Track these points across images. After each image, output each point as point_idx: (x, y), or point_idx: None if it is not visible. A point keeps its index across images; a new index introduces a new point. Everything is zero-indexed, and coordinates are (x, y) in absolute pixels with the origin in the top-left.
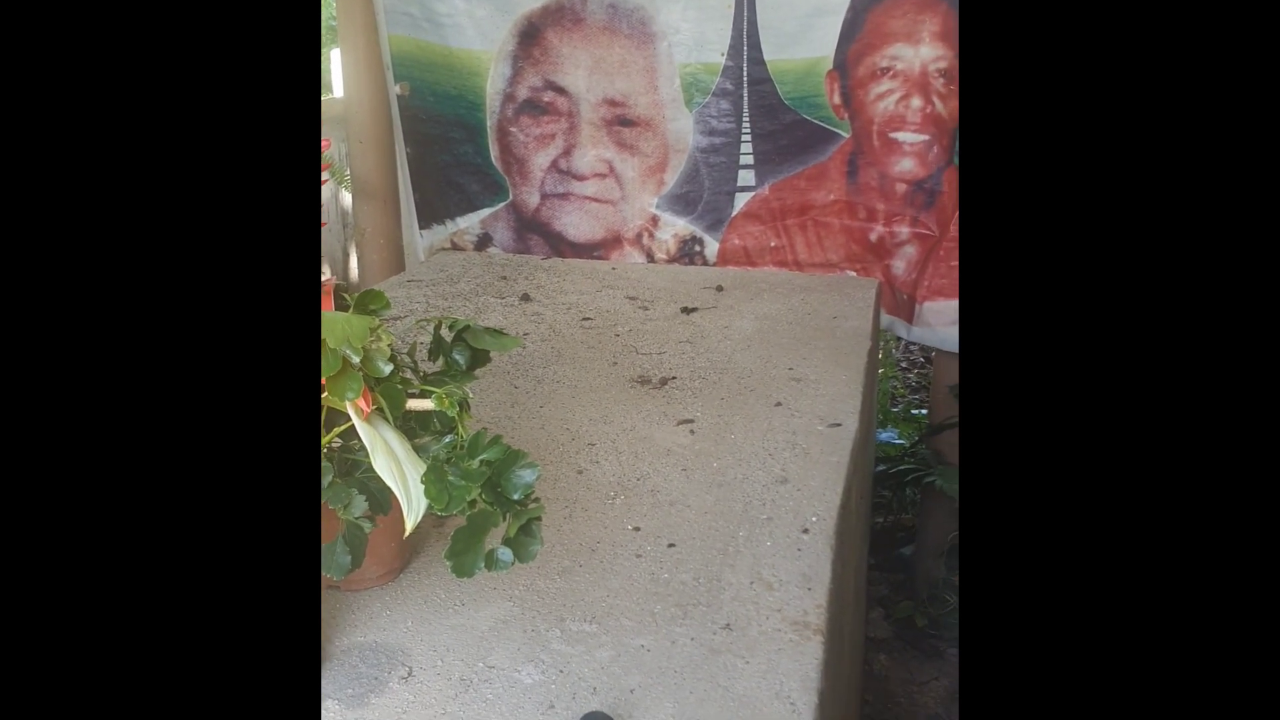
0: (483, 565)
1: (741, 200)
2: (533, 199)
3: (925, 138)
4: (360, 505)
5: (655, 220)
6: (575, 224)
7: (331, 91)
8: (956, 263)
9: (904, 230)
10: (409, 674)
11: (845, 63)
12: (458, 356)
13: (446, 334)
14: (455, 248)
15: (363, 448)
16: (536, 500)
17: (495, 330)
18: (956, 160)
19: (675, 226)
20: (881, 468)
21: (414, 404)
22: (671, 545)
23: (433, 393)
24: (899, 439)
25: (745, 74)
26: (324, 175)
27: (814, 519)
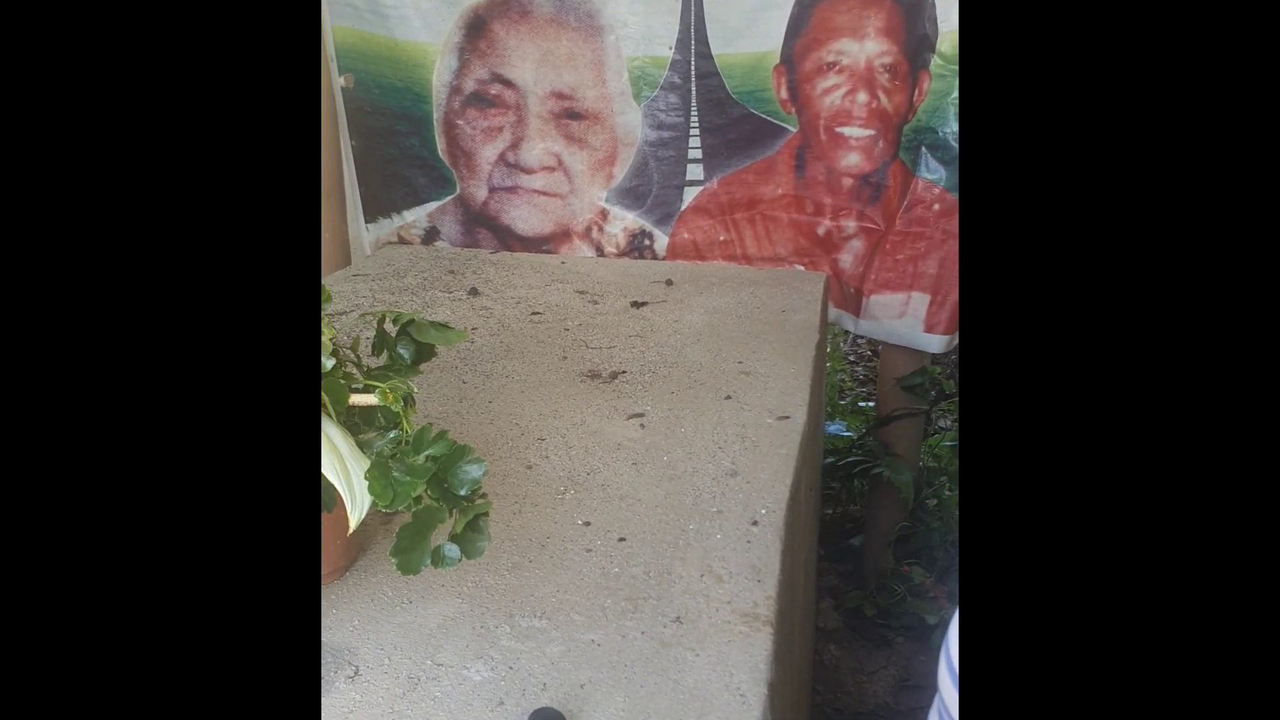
0: (429, 562)
1: (690, 194)
2: (480, 192)
3: (871, 132)
4: None
5: (604, 214)
6: (524, 217)
7: None
8: (902, 256)
9: (851, 224)
10: (355, 673)
11: (792, 57)
12: (402, 351)
13: (390, 328)
14: (402, 241)
15: None
16: (484, 496)
17: (440, 324)
18: (901, 155)
19: (625, 220)
20: (830, 460)
21: (357, 399)
22: (622, 539)
23: (376, 387)
24: (847, 431)
25: (693, 68)
26: None
27: (763, 511)
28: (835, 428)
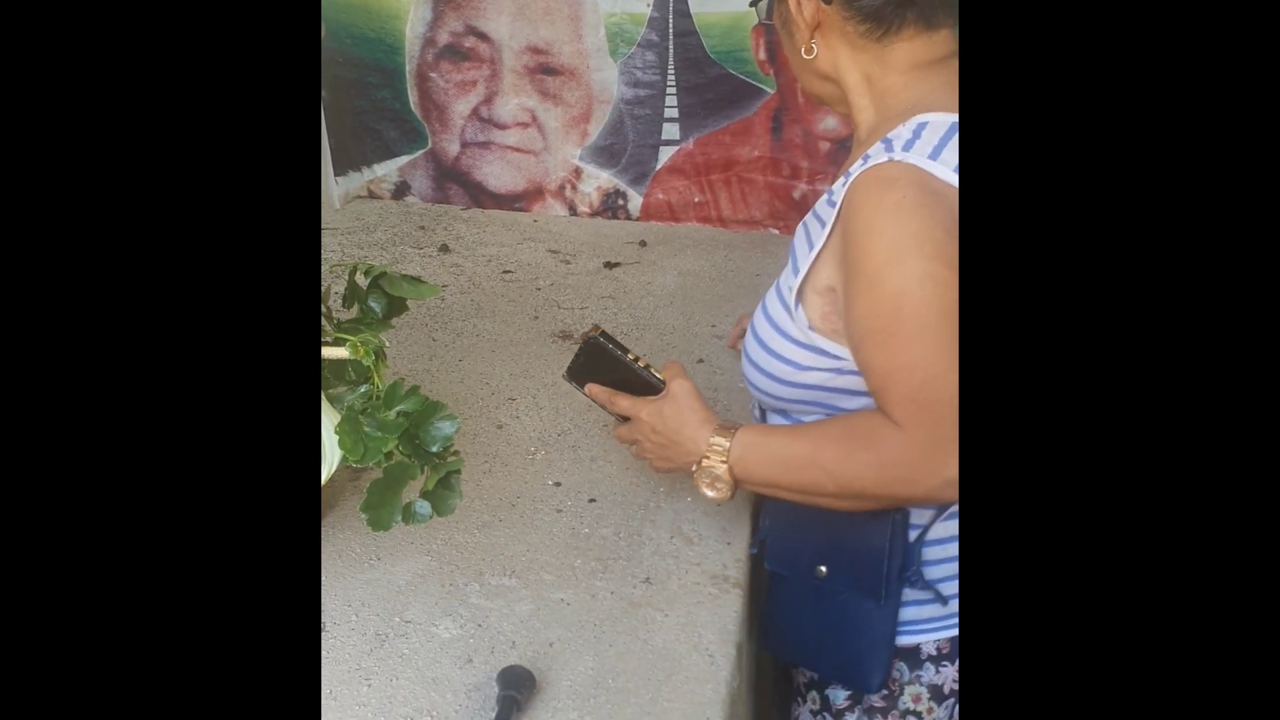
0: (400, 519)
1: (666, 154)
2: (453, 147)
3: None
4: None
5: (578, 172)
6: (496, 174)
7: None
8: None
9: (827, 188)
10: (323, 629)
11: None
12: (373, 304)
13: (362, 280)
14: (372, 196)
15: None
16: (456, 453)
17: (413, 278)
18: None
19: (598, 179)
20: None
21: (327, 352)
22: (592, 500)
23: (347, 340)
24: None
25: (671, 25)
26: None
27: None
28: None
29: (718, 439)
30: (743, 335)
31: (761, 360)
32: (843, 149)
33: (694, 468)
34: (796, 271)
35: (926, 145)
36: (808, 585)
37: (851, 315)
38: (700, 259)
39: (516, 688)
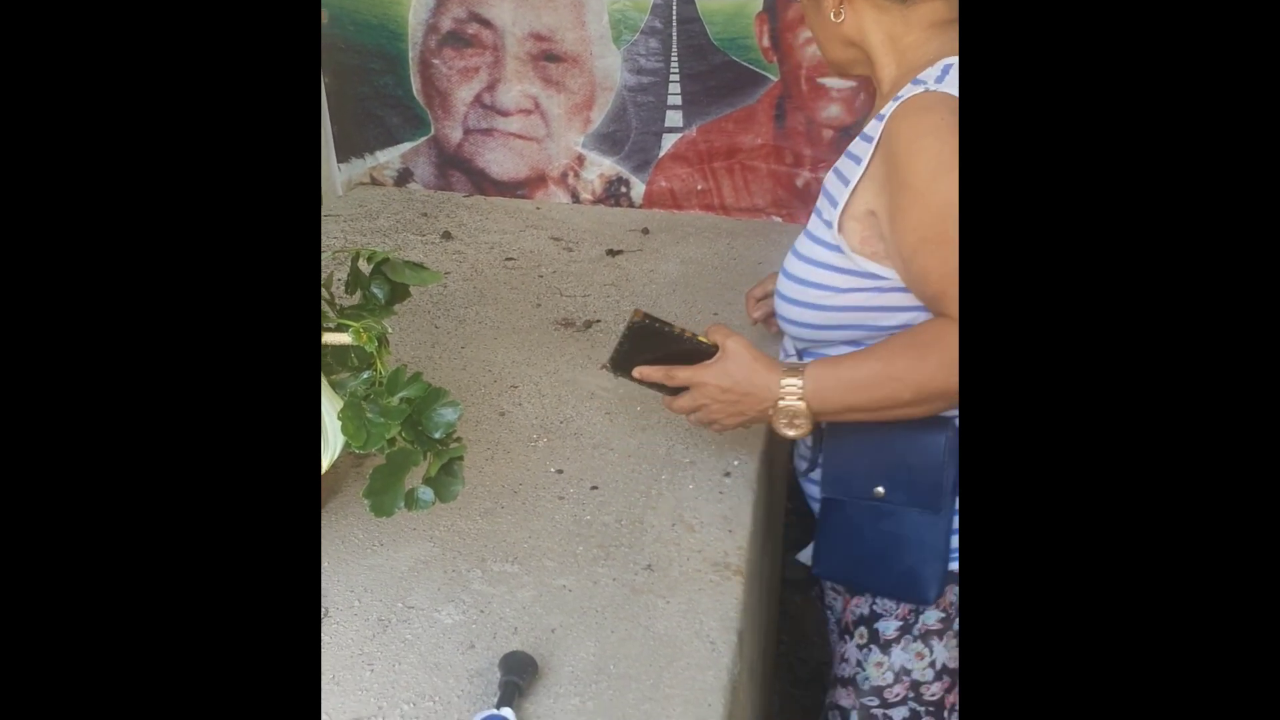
0: (402, 505)
1: (669, 141)
2: (455, 134)
3: (852, 84)
4: None
5: (581, 159)
6: (499, 161)
7: None
8: None
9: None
10: (325, 614)
11: (775, 5)
12: (376, 290)
13: (364, 266)
14: (374, 183)
15: None
16: (458, 439)
17: (415, 264)
18: None
19: (601, 166)
20: None
21: (330, 338)
22: (594, 487)
23: (350, 326)
24: None
25: (674, 12)
26: None
27: (735, 463)
28: None
29: (789, 380)
30: (760, 303)
31: (801, 294)
32: (845, 137)
33: (770, 412)
34: (835, 204)
35: (954, 81)
36: (864, 507)
37: (902, 229)
38: (703, 247)
39: (518, 673)
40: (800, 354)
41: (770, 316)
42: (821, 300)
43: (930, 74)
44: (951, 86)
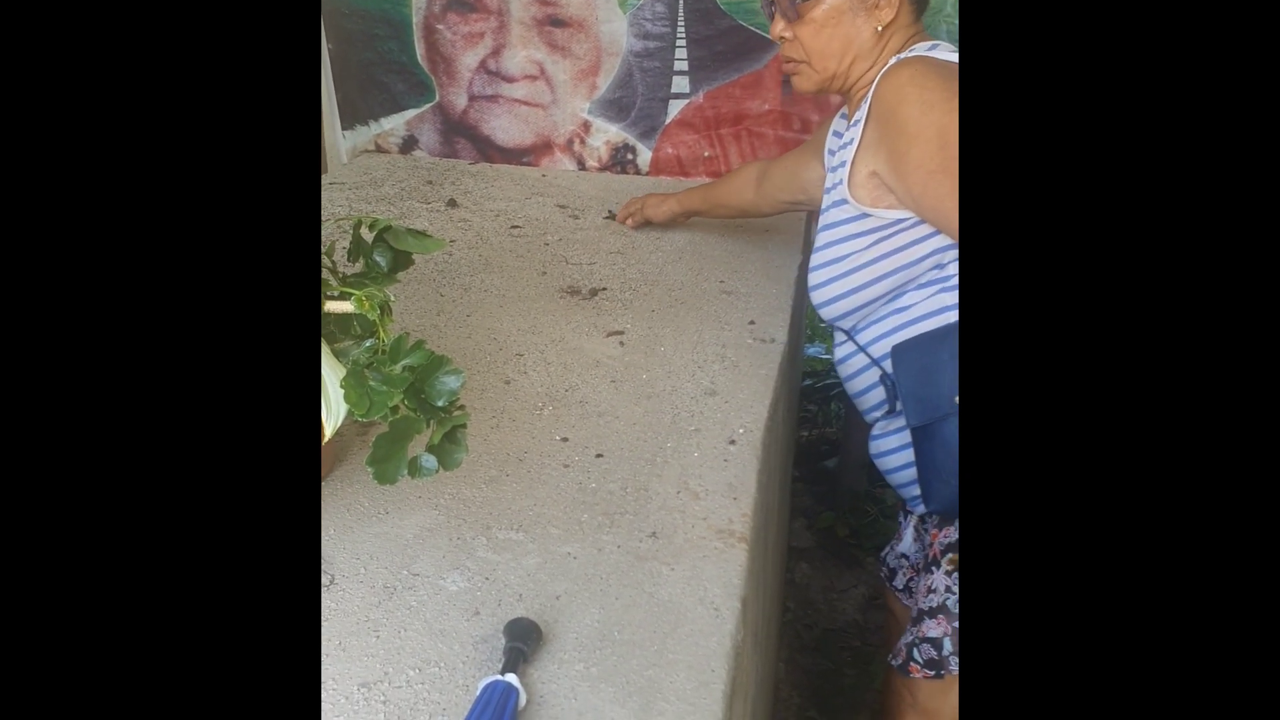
0: (406, 472)
1: (675, 108)
2: (460, 100)
3: None
4: None
5: (587, 126)
6: (504, 127)
7: None
8: None
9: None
10: (331, 581)
11: None
12: (379, 258)
13: (367, 234)
14: (379, 150)
15: None
16: (461, 407)
17: (418, 231)
18: None
19: (607, 133)
20: (808, 382)
21: (332, 306)
22: (600, 455)
23: (352, 294)
24: (826, 354)
25: None
26: None
27: (741, 431)
28: (814, 350)
29: None
30: (632, 214)
31: (835, 271)
32: None
33: None
34: (840, 180)
35: (933, 52)
36: (950, 425)
37: (907, 170)
38: None
39: (523, 640)
40: (850, 334)
41: (637, 221)
42: (856, 264)
43: (914, 50)
44: (923, 52)
